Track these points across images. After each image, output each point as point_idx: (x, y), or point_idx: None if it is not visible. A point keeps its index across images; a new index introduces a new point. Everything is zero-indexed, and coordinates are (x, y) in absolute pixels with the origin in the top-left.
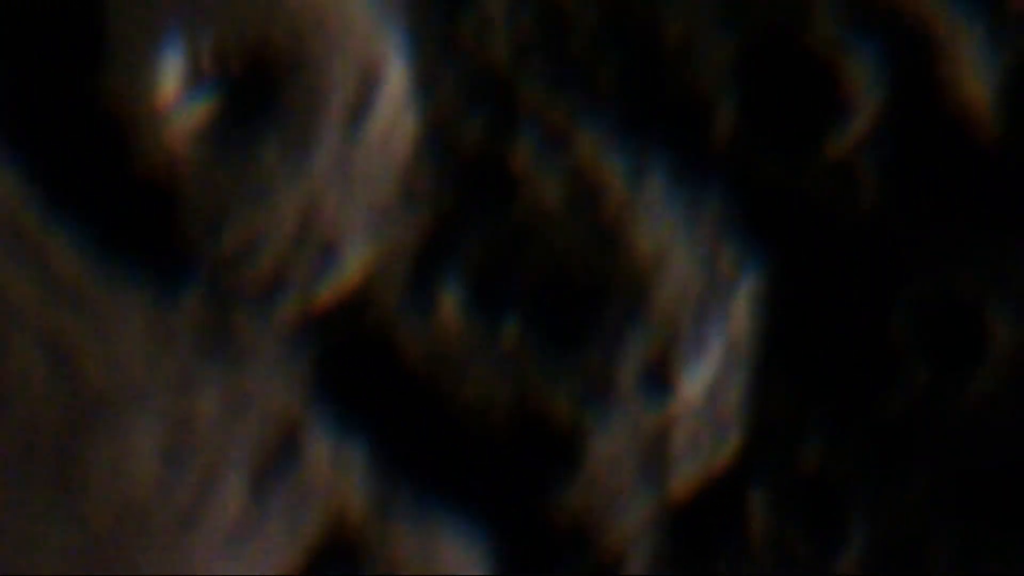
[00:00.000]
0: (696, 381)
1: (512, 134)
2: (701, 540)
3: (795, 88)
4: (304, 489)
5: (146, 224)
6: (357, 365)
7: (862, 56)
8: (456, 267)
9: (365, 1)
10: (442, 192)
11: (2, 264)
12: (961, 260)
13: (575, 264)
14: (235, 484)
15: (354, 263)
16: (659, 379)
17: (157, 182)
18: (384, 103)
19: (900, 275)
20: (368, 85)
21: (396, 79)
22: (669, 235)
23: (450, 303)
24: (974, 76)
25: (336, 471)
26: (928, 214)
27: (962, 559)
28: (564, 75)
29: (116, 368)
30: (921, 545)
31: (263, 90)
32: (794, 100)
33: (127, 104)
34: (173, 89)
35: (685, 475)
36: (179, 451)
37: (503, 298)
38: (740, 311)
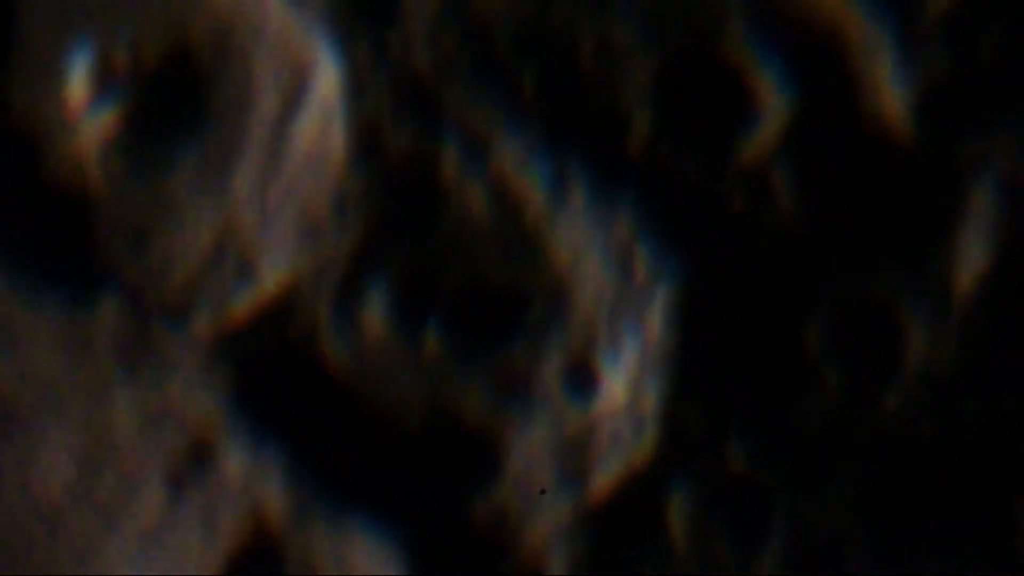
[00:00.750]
0: (615, 384)
1: (438, 143)
2: (622, 542)
3: (710, 96)
4: (220, 495)
5: (59, 235)
6: (278, 375)
7: (774, 64)
8: (382, 276)
9: (290, 6)
10: (371, 202)
11: None
12: (876, 267)
13: (496, 271)
14: (151, 491)
15: (273, 275)
16: (578, 383)
17: (69, 191)
18: (313, 111)
19: (815, 281)
20: (296, 92)
21: (326, 86)
22: (586, 241)
23: (374, 312)
24: (888, 83)
25: (253, 478)
26: (843, 221)
27: (882, 562)
28: (487, 84)
29: (29, 379)
30: (841, 547)
31: (182, 95)
32: (709, 108)
33: (35, 110)
34: (83, 94)
35: (605, 478)
36: (95, 460)
37: (426, 306)
38: (657, 315)
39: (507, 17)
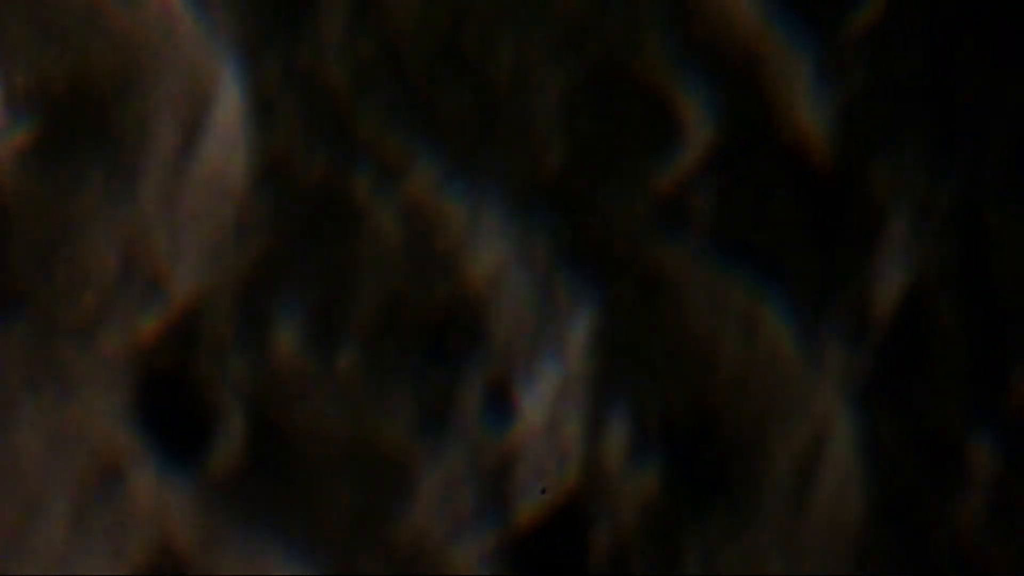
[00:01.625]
0: (535, 410)
1: (351, 164)
2: (543, 570)
3: (627, 120)
4: (128, 518)
5: None
6: (187, 396)
7: (693, 87)
8: (292, 298)
9: (196, 26)
10: (279, 223)
11: None
12: (793, 289)
13: (412, 294)
14: (58, 514)
15: (181, 295)
16: (498, 409)
17: None
18: (217, 132)
19: (733, 303)
20: (199, 113)
21: (230, 107)
22: (504, 265)
23: (284, 333)
24: (807, 106)
25: (161, 500)
26: (760, 242)
27: None
28: (402, 105)
29: None
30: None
31: (86, 117)
32: (627, 130)
33: None
34: None
35: (527, 505)
36: (1, 484)
37: (340, 329)
38: (577, 340)
39: (420, 37)
